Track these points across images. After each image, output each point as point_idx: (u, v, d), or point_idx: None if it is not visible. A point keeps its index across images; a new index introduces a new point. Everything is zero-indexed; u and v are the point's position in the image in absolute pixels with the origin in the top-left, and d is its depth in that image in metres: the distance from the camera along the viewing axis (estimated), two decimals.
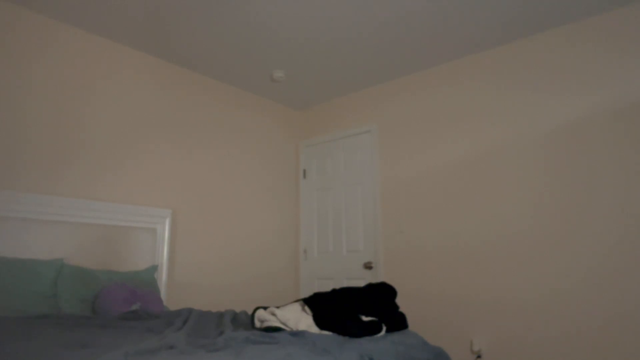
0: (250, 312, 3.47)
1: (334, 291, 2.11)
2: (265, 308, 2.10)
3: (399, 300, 3.38)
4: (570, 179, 2.87)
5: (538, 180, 2.99)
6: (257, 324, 2.02)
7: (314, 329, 1.88)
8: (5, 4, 2.72)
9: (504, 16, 2.91)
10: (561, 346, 2.75)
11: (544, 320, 2.83)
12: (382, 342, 1.81)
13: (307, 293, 4.21)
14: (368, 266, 3.81)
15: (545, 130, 3.00)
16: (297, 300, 2.14)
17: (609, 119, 2.77)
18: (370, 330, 1.89)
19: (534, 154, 3.03)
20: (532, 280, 2.92)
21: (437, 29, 3.08)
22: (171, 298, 3.22)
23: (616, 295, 2.60)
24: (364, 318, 1.95)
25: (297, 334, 1.77)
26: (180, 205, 3.46)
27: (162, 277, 3.19)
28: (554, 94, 3.01)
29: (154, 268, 3.07)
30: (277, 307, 2.07)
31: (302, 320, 1.93)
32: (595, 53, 2.88)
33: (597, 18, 2.90)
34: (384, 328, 1.95)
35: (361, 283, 3.79)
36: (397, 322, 2.05)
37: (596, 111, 2.82)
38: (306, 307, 2.02)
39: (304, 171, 4.50)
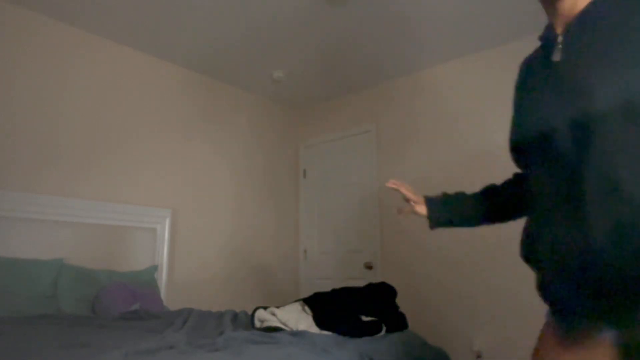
0: (250, 312, 3.46)
1: (334, 291, 2.11)
2: (265, 308, 2.10)
3: (399, 300, 3.38)
4: None
5: None
6: (257, 324, 2.02)
7: (314, 329, 1.88)
8: None
9: (504, 15, 2.91)
10: None
11: (544, 321, 2.83)
12: (382, 342, 1.81)
13: (307, 293, 4.20)
14: (368, 266, 3.81)
15: None
16: (297, 300, 2.14)
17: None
18: (370, 330, 1.89)
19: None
20: (532, 280, 2.91)
21: (436, 29, 3.08)
22: (171, 298, 3.22)
23: None
24: (364, 318, 1.95)
25: (297, 334, 1.77)
26: (180, 205, 3.46)
27: (162, 277, 3.19)
28: None
29: (154, 268, 3.07)
30: (277, 307, 2.07)
31: (302, 320, 1.93)
32: None
33: None
34: (384, 328, 1.95)
35: (361, 283, 3.78)
36: (397, 322, 2.05)
37: None
38: (306, 307, 2.02)
39: (304, 171, 4.50)
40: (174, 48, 3.33)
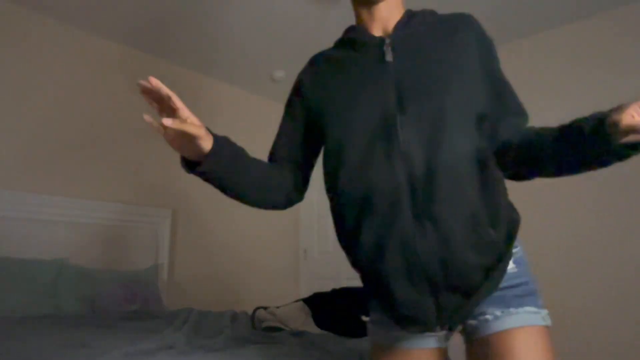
0: (250, 312, 3.47)
1: (334, 291, 2.11)
2: (265, 308, 2.11)
3: None
4: (583, 182, 2.87)
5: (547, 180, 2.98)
6: (257, 324, 2.02)
7: (314, 329, 1.89)
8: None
9: (504, 15, 2.91)
10: (558, 343, 2.75)
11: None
12: None
13: (307, 293, 4.20)
14: None
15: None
16: (297, 301, 2.14)
17: None
18: None
19: None
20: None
21: None
22: (171, 298, 3.22)
23: (617, 298, 2.60)
24: (364, 318, 1.95)
25: (297, 334, 1.77)
26: (181, 205, 3.46)
27: (163, 277, 3.19)
28: (550, 97, 3.01)
29: (155, 268, 3.07)
30: (277, 307, 2.08)
31: (302, 320, 1.93)
32: (589, 56, 2.88)
33: (581, 23, 2.90)
34: None
35: (361, 283, 3.79)
36: None
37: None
38: (306, 307, 2.02)
39: None
40: (173, 47, 3.34)
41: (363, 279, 0.95)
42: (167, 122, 0.75)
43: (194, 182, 3.56)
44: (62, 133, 2.88)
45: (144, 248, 3.12)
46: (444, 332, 0.94)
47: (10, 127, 2.67)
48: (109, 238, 2.95)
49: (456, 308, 0.85)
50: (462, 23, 0.90)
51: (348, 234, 0.91)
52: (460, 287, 0.84)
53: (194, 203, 3.56)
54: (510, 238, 0.88)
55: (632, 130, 0.65)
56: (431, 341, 0.93)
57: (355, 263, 0.93)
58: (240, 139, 3.65)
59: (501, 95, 0.91)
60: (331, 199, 0.95)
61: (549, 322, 0.89)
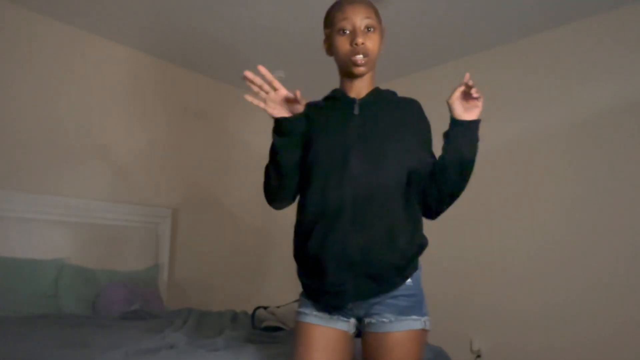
0: (250, 312, 3.47)
1: None
2: (265, 308, 2.11)
3: None
4: (574, 182, 2.87)
5: (540, 180, 2.98)
6: (257, 323, 2.03)
7: None
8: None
9: (510, 14, 2.91)
10: (561, 346, 2.75)
11: (544, 321, 2.83)
12: None
13: None
14: None
15: (550, 131, 3.00)
16: (296, 300, 2.14)
17: (629, 113, 2.77)
18: None
19: (538, 154, 3.03)
20: (532, 280, 2.91)
21: (440, 26, 3.07)
22: (171, 298, 3.23)
23: (617, 298, 2.60)
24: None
25: None
26: (181, 204, 3.46)
27: (163, 277, 3.19)
28: (577, 85, 3.00)
29: (155, 268, 3.07)
30: (277, 307, 2.08)
31: None
32: (618, 45, 2.87)
33: (615, 12, 2.90)
34: None
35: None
36: None
37: (618, 104, 2.82)
38: None
39: None
40: (172, 47, 3.34)
41: (307, 266, 1.22)
42: (285, 92, 1.17)
43: (194, 182, 3.57)
44: (63, 133, 2.88)
45: (144, 248, 3.12)
46: (353, 320, 1.22)
47: (8, 127, 2.68)
48: (109, 238, 2.95)
49: (366, 291, 1.17)
50: (408, 104, 1.36)
51: (305, 231, 1.21)
52: (375, 276, 1.16)
53: (195, 202, 3.56)
54: (418, 252, 1.28)
55: (458, 98, 1.26)
56: (344, 325, 1.21)
57: (303, 252, 1.21)
58: (242, 139, 3.63)
59: (432, 161, 1.32)
60: (299, 207, 1.26)
61: (428, 325, 1.29)
